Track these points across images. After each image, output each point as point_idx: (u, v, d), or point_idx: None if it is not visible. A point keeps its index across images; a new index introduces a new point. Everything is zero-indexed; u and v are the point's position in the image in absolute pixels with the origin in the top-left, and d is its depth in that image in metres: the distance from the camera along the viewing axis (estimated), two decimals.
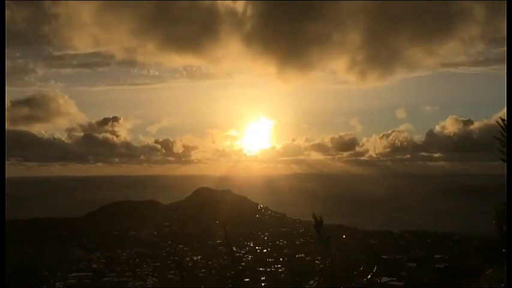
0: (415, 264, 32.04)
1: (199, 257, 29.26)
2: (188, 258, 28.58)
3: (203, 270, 24.64)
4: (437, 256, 40.39)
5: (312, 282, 20.33)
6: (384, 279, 22.64)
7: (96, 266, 26.10)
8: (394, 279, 26.02)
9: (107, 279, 23.10)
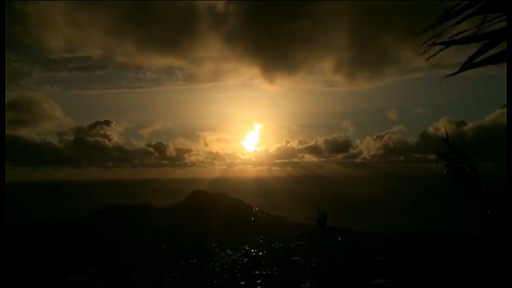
0: (411, 266, 32.17)
1: (195, 260, 29.21)
2: (183, 262, 28.52)
3: (198, 274, 24.56)
4: (432, 258, 40.81)
5: (307, 284, 20.36)
6: (379, 281, 22.73)
7: (91, 271, 25.98)
8: (390, 281, 26.08)
9: (102, 283, 23.03)
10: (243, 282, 19.93)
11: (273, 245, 34.82)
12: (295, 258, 28.25)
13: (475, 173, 3.68)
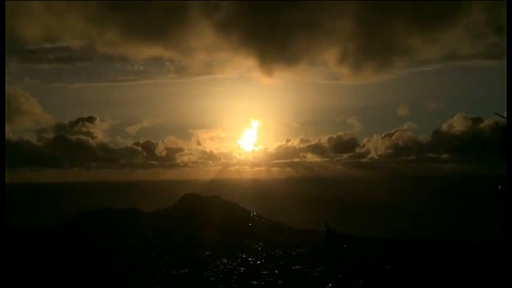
0: (422, 275, 32.25)
1: (186, 270, 29.21)
2: (175, 271, 28.52)
3: (191, 285, 24.57)
4: (445, 266, 40.79)
5: None
6: None
7: (74, 280, 26.00)
8: None
9: None
10: None
11: (273, 253, 34.82)
12: (297, 267, 28.27)
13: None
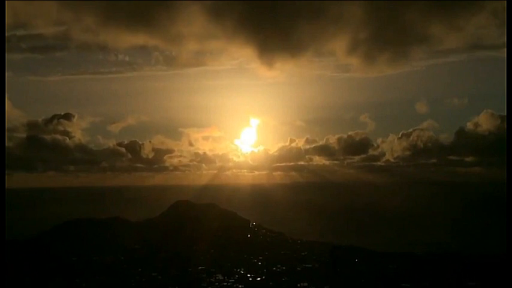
0: None
1: None
2: None
3: None
4: (471, 284, 40.47)
5: None
6: None
7: None
8: None
9: None
10: None
11: (275, 268, 34.98)
12: (303, 284, 28.43)
13: None
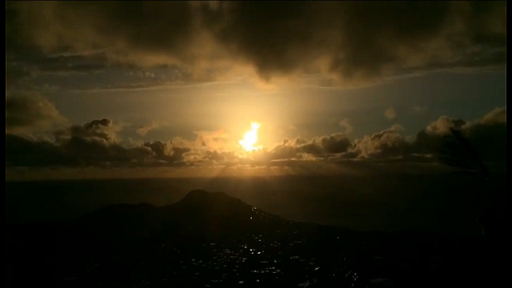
0: (409, 264, 32.18)
1: (193, 260, 29.21)
2: (182, 261, 28.52)
3: (197, 273, 24.54)
4: (431, 256, 40.83)
5: (306, 283, 20.36)
6: (377, 280, 22.76)
7: (88, 270, 25.95)
8: (388, 279, 26.07)
9: (100, 283, 22.98)
10: (242, 282, 19.96)
11: (272, 244, 34.88)
12: (294, 257, 28.29)
13: (479, 165, 3.71)
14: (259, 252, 32.70)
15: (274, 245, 35.75)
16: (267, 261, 27.74)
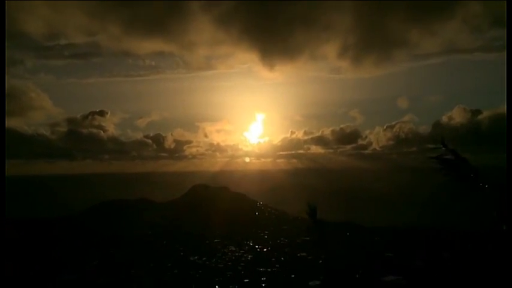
0: (422, 262, 32.32)
1: (196, 257, 29.47)
2: (184, 259, 28.78)
3: (200, 271, 24.81)
4: (445, 254, 40.88)
5: (316, 282, 20.54)
6: (389, 278, 22.90)
7: (88, 268, 26.28)
8: (401, 277, 26.27)
9: (100, 280, 23.27)
10: (247, 280, 20.16)
11: (278, 241, 35.08)
12: (302, 254, 28.49)
13: (469, 168, 3.81)
14: (265, 249, 32.92)
15: (281, 242, 35.97)
16: (273, 259, 27.95)
